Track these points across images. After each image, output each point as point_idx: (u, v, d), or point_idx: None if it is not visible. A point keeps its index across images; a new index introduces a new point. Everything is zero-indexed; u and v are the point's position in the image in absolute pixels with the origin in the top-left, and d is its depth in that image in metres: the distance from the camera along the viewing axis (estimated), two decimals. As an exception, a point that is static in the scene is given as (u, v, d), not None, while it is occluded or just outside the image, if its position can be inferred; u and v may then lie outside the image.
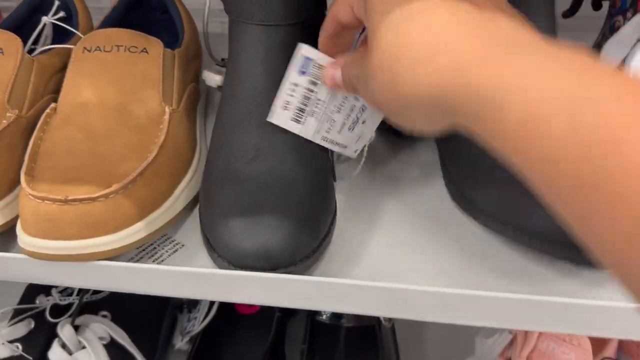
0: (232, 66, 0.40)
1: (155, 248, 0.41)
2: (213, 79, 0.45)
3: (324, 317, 0.55)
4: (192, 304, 0.64)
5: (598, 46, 0.45)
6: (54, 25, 0.50)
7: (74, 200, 0.35)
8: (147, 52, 0.44)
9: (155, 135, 0.41)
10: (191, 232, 0.42)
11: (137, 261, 0.39)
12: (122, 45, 0.44)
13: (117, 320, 0.58)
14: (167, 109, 0.42)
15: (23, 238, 0.36)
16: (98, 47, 0.44)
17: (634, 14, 0.41)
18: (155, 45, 0.44)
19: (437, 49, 0.22)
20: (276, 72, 0.37)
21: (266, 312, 0.61)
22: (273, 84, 0.37)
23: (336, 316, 0.55)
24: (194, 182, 0.43)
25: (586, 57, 0.19)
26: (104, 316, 0.57)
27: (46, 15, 0.49)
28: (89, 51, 0.44)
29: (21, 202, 0.36)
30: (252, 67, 0.39)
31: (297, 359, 0.57)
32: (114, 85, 0.42)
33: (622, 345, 0.55)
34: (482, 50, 0.21)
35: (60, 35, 0.50)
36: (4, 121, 0.41)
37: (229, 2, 0.39)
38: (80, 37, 0.48)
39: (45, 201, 0.35)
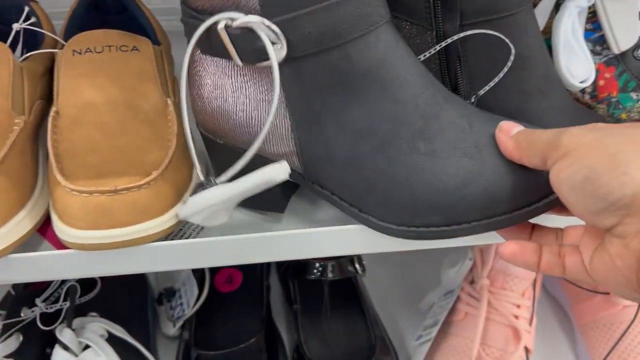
0: None
1: (181, 229, 0.45)
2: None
3: (312, 276, 0.61)
4: (170, 293, 0.67)
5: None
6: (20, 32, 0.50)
7: (123, 189, 0.37)
8: (138, 50, 0.46)
9: (167, 125, 0.44)
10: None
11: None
12: (112, 45, 0.46)
13: (106, 318, 0.59)
14: (168, 101, 0.45)
15: (71, 232, 0.38)
16: (88, 48, 0.45)
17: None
18: (145, 43, 0.47)
19: None
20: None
21: (248, 286, 0.65)
22: None
23: (320, 273, 0.61)
24: (202, 162, 0.47)
25: None
26: (94, 316, 0.58)
27: (12, 22, 0.49)
28: (79, 53, 0.45)
29: (62, 199, 0.38)
30: None
31: (292, 319, 0.63)
32: (116, 83, 0.44)
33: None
34: None
35: (27, 41, 0.50)
36: (16, 128, 0.41)
37: None
38: (56, 41, 0.49)
39: (95, 194, 0.37)
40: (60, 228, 0.38)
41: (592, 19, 0.50)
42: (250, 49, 0.34)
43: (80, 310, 0.58)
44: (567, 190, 0.29)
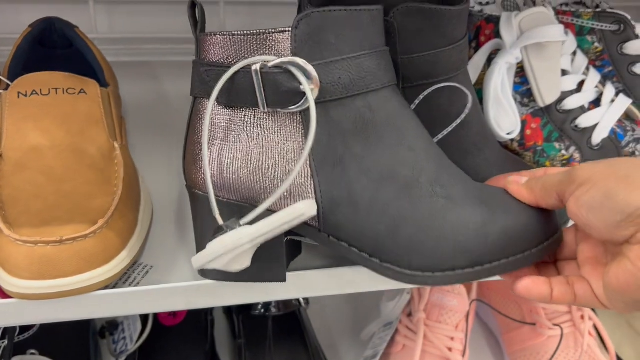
0: None
1: (127, 274, 0.45)
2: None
3: (256, 311, 0.62)
4: (112, 327, 0.66)
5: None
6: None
7: (69, 239, 0.38)
8: (85, 92, 0.47)
9: (113, 170, 0.44)
10: (157, 254, 0.46)
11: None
12: (59, 88, 0.46)
13: (46, 355, 0.58)
14: (115, 145, 0.46)
15: (15, 282, 0.37)
16: (34, 91, 0.45)
17: (477, 44, 0.55)
18: (92, 86, 0.47)
19: None
20: None
21: (192, 319, 0.66)
22: None
23: (265, 308, 0.62)
24: (147, 207, 0.47)
25: None
26: (33, 354, 0.57)
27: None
28: (25, 95, 0.45)
29: (6, 248, 0.38)
30: None
31: (236, 352, 0.63)
32: (62, 127, 0.44)
33: (479, 291, 0.71)
34: None
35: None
36: (-41, 172, 0.41)
37: None
38: (1, 80, 0.49)
39: (39, 244, 0.37)
40: (4, 278, 0.38)
41: (521, 73, 0.54)
42: (282, 89, 0.35)
43: (19, 349, 0.57)
44: (587, 211, 0.32)
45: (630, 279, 0.31)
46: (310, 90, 0.34)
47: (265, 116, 0.37)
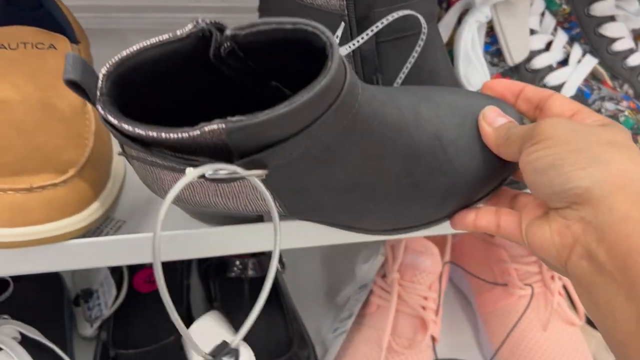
0: None
1: (99, 228, 0.45)
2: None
3: (232, 274, 0.62)
4: (87, 294, 0.66)
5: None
6: None
7: (39, 187, 0.37)
8: (55, 47, 0.46)
9: (84, 124, 0.44)
10: (128, 210, 0.46)
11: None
12: (28, 42, 0.45)
13: (20, 320, 0.57)
14: (86, 101, 0.45)
15: (-16, 230, 0.37)
16: (2, 45, 0.45)
17: (448, 3, 0.56)
18: (62, 41, 0.47)
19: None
20: None
21: (168, 286, 0.65)
22: None
23: (241, 271, 0.63)
24: (119, 162, 0.47)
25: None
26: (5, 318, 0.57)
27: None
28: (-7, 50, 0.44)
29: (-25, 197, 0.37)
30: None
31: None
32: (31, 81, 0.44)
33: (453, 255, 0.73)
34: None
35: None
36: None
37: None
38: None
39: (9, 192, 0.37)
40: (-29, 225, 0.38)
41: (491, 32, 0.55)
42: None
43: (-9, 313, 0.57)
44: (531, 171, 0.32)
45: (544, 244, 0.33)
46: (260, 184, 0.31)
47: None
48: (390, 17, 0.41)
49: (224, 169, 0.30)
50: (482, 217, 0.38)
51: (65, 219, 0.39)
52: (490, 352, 0.67)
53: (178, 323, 0.30)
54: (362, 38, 0.41)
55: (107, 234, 0.44)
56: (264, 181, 0.32)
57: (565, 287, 0.68)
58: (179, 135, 0.29)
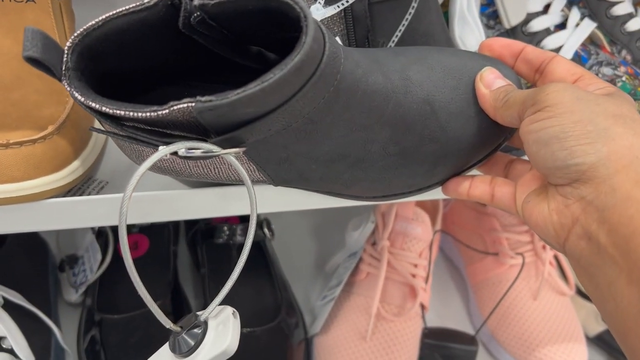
0: None
1: (80, 188, 0.44)
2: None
3: (220, 240, 0.61)
4: (72, 260, 0.65)
5: None
6: None
7: (16, 143, 0.36)
8: (34, 1, 0.44)
9: (64, 81, 0.42)
10: (111, 171, 0.45)
11: (69, 201, 0.42)
12: (5, -5, 0.43)
13: (2, 285, 0.56)
14: (67, 56, 0.44)
15: (-40, 188, 0.36)
16: (-22, -3, 0.43)
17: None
18: (41, -6, 0.45)
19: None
20: None
21: (154, 251, 0.64)
22: None
23: (229, 237, 0.62)
24: (102, 124, 0.46)
25: None
26: (-13, 283, 0.56)
27: None
28: (-32, 2, 0.42)
29: (-49, 153, 0.36)
30: None
31: (199, 283, 0.63)
32: (9, 35, 0.42)
33: (444, 225, 0.72)
34: None
35: None
36: None
37: None
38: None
39: (-16, 147, 0.35)
40: (-53, 182, 0.37)
41: (487, -6, 0.54)
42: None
43: (-27, 277, 0.55)
44: (533, 141, 0.30)
45: (542, 221, 0.31)
46: (236, 161, 0.30)
47: None
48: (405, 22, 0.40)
49: (198, 148, 0.29)
50: (476, 186, 0.37)
51: (43, 177, 0.37)
52: (479, 321, 0.67)
53: (143, 293, 0.29)
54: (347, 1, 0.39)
55: (89, 194, 0.43)
56: (245, 153, 0.31)
57: (556, 257, 0.68)
58: (148, 114, 0.28)
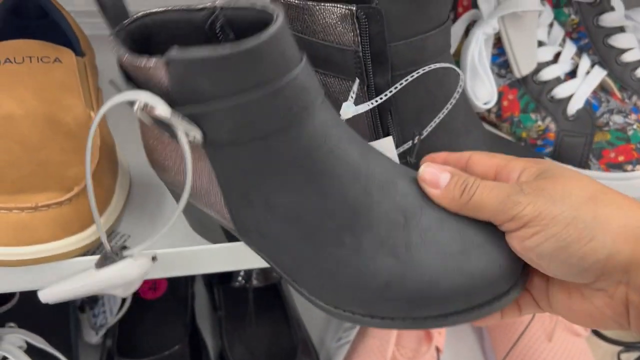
0: None
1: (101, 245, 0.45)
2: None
3: (236, 283, 0.63)
4: (92, 301, 0.66)
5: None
6: None
7: (44, 206, 0.37)
8: (60, 61, 0.46)
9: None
10: (133, 224, 0.46)
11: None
12: (33, 56, 0.45)
13: (25, 329, 0.58)
14: (92, 114, 0.45)
15: (-10, 249, 0.37)
16: (8, 59, 0.45)
17: (455, 15, 0.56)
18: (67, 55, 0.47)
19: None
20: None
21: (172, 293, 0.66)
22: None
23: (245, 280, 0.63)
24: (124, 176, 0.47)
25: None
26: (11, 327, 0.57)
27: None
28: (-2, 63, 0.44)
29: (-19, 216, 0.37)
30: None
31: (216, 325, 0.64)
32: (36, 95, 0.44)
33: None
34: None
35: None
36: None
37: None
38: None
39: (14, 210, 0.37)
40: (-24, 244, 0.38)
41: (498, 44, 0.55)
42: (167, 129, 0.31)
43: (-2, 321, 0.57)
44: (537, 257, 0.30)
45: (597, 321, 0.31)
46: (185, 138, 0.30)
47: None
48: (410, 77, 0.41)
49: (155, 106, 0.29)
50: (505, 313, 0.35)
51: (69, 237, 0.39)
52: (495, 362, 0.67)
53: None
54: (385, 95, 0.40)
55: (111, 249, 0.44)
56: (209, 156, 0.32)
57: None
58: (138, 64, 0.29)
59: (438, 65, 0.41)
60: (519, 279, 0.32)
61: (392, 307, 0.32)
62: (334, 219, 0.33)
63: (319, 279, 0.34)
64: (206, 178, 0.34)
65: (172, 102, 0.30)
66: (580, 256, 0.28)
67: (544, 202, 0.29)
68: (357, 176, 0.33)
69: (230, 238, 0.43)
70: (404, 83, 0.40)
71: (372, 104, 0.40)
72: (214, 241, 0.44)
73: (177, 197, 0.39)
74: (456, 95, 0.43)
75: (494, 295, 0.32)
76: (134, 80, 0.32)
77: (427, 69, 0.41)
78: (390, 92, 0.40)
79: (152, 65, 0.29)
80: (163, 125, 0.31)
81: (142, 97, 0.30)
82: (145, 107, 0.30)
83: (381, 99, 0.40)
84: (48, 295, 0.36)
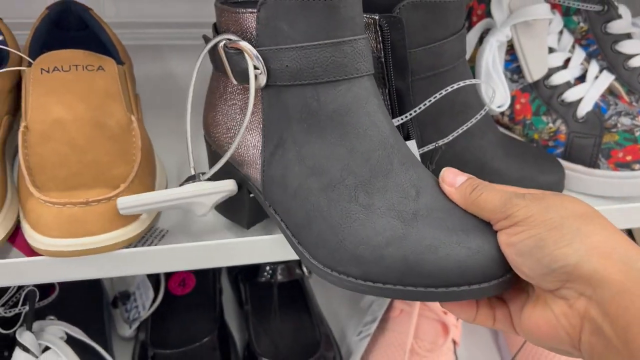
0: None
1: (144, 237, 0.48)
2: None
3: (262, 279, 0.66)
4: (124, 297, 0.70)
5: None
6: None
7: (94, 201, 0.41)
8: (103, 69, 0.50)
9: (131, 141, 0.47)
10: (172, 219, 0.50)
11: (135, 249, 0.46)
12: (79, 65, 0.49)
13: (63, 321, 0.61)
14: (132, 118, 0.49)
15: (44, 240, 0.41)
16: (56, 67, 0.48)
17: (470, 24, 0.59)
18: (109, 63, 0.50)
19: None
20: None
21: (200, 288, 0.69)
22: None
23: (270, 275, 0.66)
24: (161, 175, 0.51)
25: None
26: (52, 319, 0.61)
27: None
28: (47, 72, 0.48)
29: (36, 209, 0.41)
30: None
31: (242, 319, 0.67)
32: (82, 101, 0.47)
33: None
34: None
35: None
36: (-15, 143, 0.44)
37: None
38: (21, 57, 0.52)
39: (67, 205, 0.40)
40: (34, 237, 0.41)
41: (511, 51, 0.58)
42: (239, 68, 0.38)
43: (39, 314, 0.60)
44: (516, 254, 0.32)
45: (550, 330, 0.31)
46: (254, 73, 0.37)
47: (238, 86, 0.41)
48: (438, 95, 0.44)
49: (238, 42, 0.37)
50: (480, 309, 0.36)
51: (117, 230, 0.42)
52: (508, 357, 0.69)
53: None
54: (415, 111, 0.44)
55: (152, 242, 0.48)
56: (262, 93, 0.38)
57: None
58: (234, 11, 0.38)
59: (461, 84, 0.44)
60: (510, 277, 0.33)
61: (386, 269, 0.33)
62: (355, 176, 0.36)
63: (324, 235, 0.35)
64: (253, 128, 0.40)
65: (253, 45, 0.36)
66: (553, 257, 0.30)
67: (539, 209, 0.32)
68: (384, 144, 0.37)
69: (251, 223, 0.47)
70: (432, 100, 0.43)
71: (402, 119, 0.43)
72: (237, 222, 0.48)
73: (216, 160, 0.42)
74: (482, 112, 0.46)
75: (485, 277, 0.32)
76: (225, 32, 0.39)
77: (449, 89, 0.43)
78: (420, 108, 0.44)
79: (245, 10, 0.36)
80: (235, 68, 0.38)
81: (229, 36, 0.38)
82: (229, 42, 0.37)
83: (406, 117, 0.44)
84: (125, 202, 0.41)
